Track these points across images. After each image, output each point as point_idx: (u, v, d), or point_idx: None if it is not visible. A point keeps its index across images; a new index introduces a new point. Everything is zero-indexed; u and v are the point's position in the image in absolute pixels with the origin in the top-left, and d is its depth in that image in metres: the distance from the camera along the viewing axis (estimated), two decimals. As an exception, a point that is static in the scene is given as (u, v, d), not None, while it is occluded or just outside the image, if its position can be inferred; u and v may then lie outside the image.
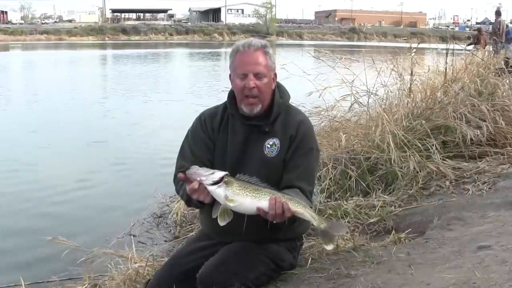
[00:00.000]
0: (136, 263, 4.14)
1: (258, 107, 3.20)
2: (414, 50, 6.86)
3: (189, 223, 5.79)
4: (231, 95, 3.32)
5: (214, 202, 2.99)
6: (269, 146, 3.23)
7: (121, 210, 6.94)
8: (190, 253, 3.39)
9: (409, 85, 6.59)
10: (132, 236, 5.67)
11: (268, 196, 2.93)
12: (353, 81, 6.40)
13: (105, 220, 6.64)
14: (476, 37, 17.77)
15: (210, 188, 2.91)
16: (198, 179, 2.90)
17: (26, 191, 7.91)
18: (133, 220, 6.18)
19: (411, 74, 6.58)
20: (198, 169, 2.91)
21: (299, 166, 3.21)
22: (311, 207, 3.18)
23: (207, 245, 3.38)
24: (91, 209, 7.10)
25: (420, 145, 5.60)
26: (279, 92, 3.31)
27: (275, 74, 3.31)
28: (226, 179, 2.91)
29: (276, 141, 3.23)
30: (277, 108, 3.25)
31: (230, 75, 3.31)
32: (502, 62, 8.74)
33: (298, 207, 2.98)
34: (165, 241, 5.69)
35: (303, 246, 3.76)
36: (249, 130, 3.26)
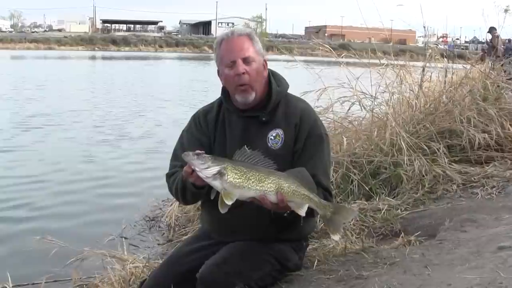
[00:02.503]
0: (132, 263, 3.95)
1: (252, 95, 3.03)
2: (430, 49, 6.76)
3: (183, 226, 5.66)
4: (225, 89, 3.18)
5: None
6: (272, 138, 3.06)
7: (112, 213, 6.77)
8: (190, 252, 3.21)
9: (417, 87, 6.45)
10: (123, 239, 5.49)
11: (273, 190, 2.73)
12: (358, 78, 6.27)
13: (96, 222, 6.44)
14: (481, 58, 17.70)
15: (206, 180, 2.71)
16: (193, 168, 2.70)
17: (16, 188, 7.80)
18: (125, 222, 6.03)
19: (423, 69, 6.46)
20: (193, 160, 2.68)
21: (311, 156, 3.04)
22: (329, 195, 3.02)
23: (207, 245, 3.21)
24: (81, 211, 6.91)
25: (426, 148, 5.49)
26: (276, 81, 3.15)
27: (266, 61, 3.14)
28: (223, 171, 2.68)
29: (279, 132, 3.06)
30: (275, 96, 3.09)
31: (218, 71, 3.15)
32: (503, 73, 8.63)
33: (304, 199, 2.79)
34: (158, 244, 5.56)
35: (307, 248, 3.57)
36: (246, 122, 3.10)
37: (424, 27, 7.40)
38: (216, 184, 2.70)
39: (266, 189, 2.73)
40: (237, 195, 2.71)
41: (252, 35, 3.10)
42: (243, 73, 2.98)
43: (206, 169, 2.68)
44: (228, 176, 2.69)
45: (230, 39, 3.05)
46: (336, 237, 2.98)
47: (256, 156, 2.77)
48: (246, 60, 3.00)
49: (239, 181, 2.70)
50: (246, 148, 2.79)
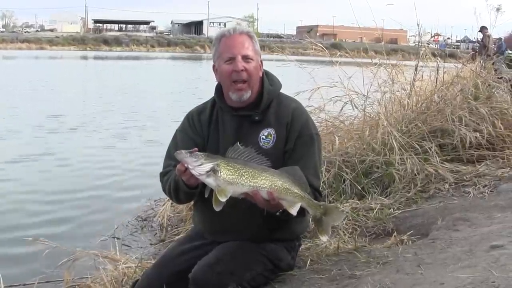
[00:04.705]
0: (124, 264, 3.93)
1: (247, 93, 3.03)
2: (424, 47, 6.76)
3: (175, 226, 5.67)
4: (218, 88, 3.17)
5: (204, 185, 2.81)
6: (264, 137, 3.05)
7: (104, 213, 6.76)
8: (182, 253, 3.19)
9: (409, 86, 6.46)
10: (116, 239, 5.48)
11: (266, 187, 2.72)
12: (350, 77, 6.26)
13: (88, 222, 6.44)
14: (473, 57, 17.75)
15: (199, 177, 2.70)
16: (186, 166, 2.70)
17: (7, 189, 7.79)
18: (117, 222, 6.02)
19: (416, 68, 6.46)
20: (186, 157, 2.67)
21: (301, 157, 3.02)
22: (319, 195, 3.02)
23: (199, 245, 3.19)
24: (73, 211, 6.89)
25: (418, 147, 5.49)
26: (269, 80, 3.15)
27: (261, 61, 3.15)
28: (217, 168, 2.68)
29: (271, 131, 3.06)
30: (267, 95, 3.08)
31: (213, 66, 3.15)
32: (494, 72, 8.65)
33: (296, 197, 2.78)
34: (151, 244, 5.56)
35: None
36: (239, 121, 3.09)
37: (418, 24, 7.40)
38: (210, 181, 2.70)
39: (259, 185, 2.72)
40: (230, 191, 2.70)
41: (252, 34, 3.11)
42: (242, 70, 2.99)
43: (199, 166, 2.67)
44: (222, 173, 2.68)
45: (231, 36, 3.06)
46: (324, 238, 2.99)
47: (249, 153, 2.77)
48: (245, 58, 3.01)
49: (233, 177, 2.70)
50: (239, 145, 2.79)
